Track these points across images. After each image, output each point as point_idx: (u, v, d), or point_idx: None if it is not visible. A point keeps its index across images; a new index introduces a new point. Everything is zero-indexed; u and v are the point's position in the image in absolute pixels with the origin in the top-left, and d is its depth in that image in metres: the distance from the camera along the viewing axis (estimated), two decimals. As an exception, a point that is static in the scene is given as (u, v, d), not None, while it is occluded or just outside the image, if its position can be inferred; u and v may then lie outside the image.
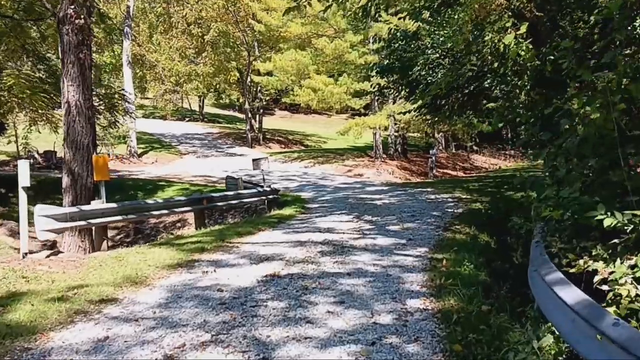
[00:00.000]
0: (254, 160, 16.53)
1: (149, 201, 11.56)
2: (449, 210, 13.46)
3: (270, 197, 16.00)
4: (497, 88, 9.84)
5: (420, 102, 19.30)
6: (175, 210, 11.93)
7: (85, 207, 9.54)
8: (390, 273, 7.15)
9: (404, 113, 18.05)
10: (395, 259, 7.97)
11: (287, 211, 14.60)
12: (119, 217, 10.21)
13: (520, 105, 7.81)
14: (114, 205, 10.27)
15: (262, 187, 16.97)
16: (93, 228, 10.09)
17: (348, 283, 6.67)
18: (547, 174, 5.50)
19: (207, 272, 7.36)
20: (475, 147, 41.06)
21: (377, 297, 6.09)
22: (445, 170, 29.53)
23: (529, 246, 8.56)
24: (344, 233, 10.33)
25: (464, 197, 16.10)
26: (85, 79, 11.38)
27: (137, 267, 7.62)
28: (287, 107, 56.40)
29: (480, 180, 21.99)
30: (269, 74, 30.24)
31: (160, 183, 21.85)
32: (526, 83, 7.47)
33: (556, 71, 7.53)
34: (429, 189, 18.85)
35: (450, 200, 15.50)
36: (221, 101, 57.09)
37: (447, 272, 6.96)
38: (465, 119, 28.19)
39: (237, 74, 34.02)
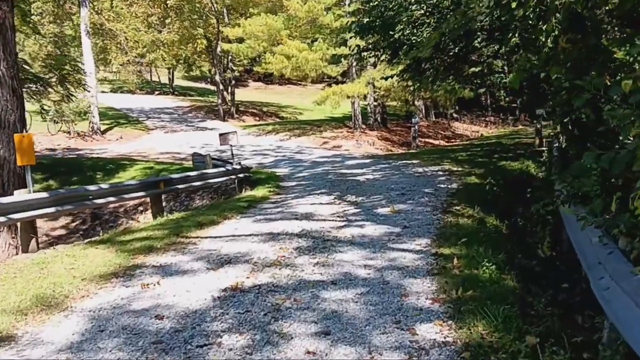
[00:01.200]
0: (220, 135, 14.63)
1: (91, 187, 9.60)
2: (442, 185, 11.77)
3: (241, 175, 14.15)
4: (516, 35, 7.92)
5: (403, 65, 17.50)
6: (126, 196, 10.00)
7: (3, 200, 7.61)
8: (387, 279, 5.42)
9: (386, 78, 16.27)
10: (391, 256, 6.25)
11: (259, 192, 12.80)
12: (51, 209, 8.27)
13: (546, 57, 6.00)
14: (44, 195, 8.34)
15: (231, 164, 15.13)
16: (18, 224, 8.16)
17: (334, 298, 4.94)
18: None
19: (148, 284, 5.55)
20: (455, 115, 39.49)
21: (374, 322, 4.37)
22: (427, 140, 27.90)
23: (559, 236, 6.94)
24: (325, 220, 8.57)
25: (454, 169, 14.44)
26: (6, 42, 9.29)
27: (58, 279, 5.77)
28: (261, 77, 53.99)
29: (467, 150, 20.38)
30: (240, 41, 28.02)
31: (123, 162, 19.76)
32: (554, 27, 5.71)
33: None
34: (414, 161, 17.15)
35: (440, 173, 13.82)
36: (192, 73, 54.29)
37: (463, 277, 5.26)
38: (448, 84, 26.54)
39: (205, 42, 31.60)
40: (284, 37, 24.30)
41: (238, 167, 14.20)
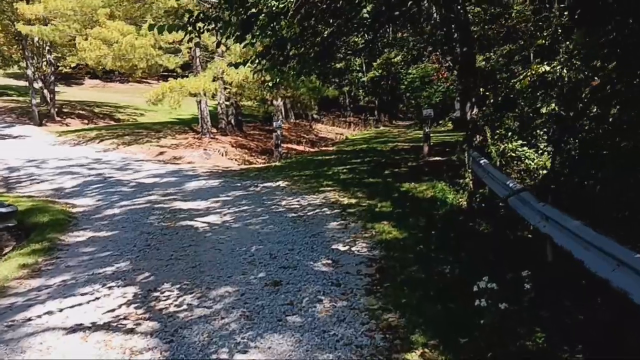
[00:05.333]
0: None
1: None
2: (342, 248, 6.15)
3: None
4: None
5: (257, 44, 11.72)
6: None
7: None
8: None
9: (236, 66, 10.39)
10: None
11: (6, 266, 6.33)
12: None
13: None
14: None
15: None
16: None
17: None
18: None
19: None
20: (316, 116, 34.63)
21: None
22: (290, 145, 22.40)
23: None
24: None
25: (345, 201, 8.97)
26: None
27: None
28: (100, 75, 44.91)
29: (344, 162, 15.11)
30: (44, 22, 20.26)
31: None
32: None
33: None
34: (282, 183, 11.47)
35: (327, 212, 8.21)
36: (9, 70, 43.44)
37: None
38: (310, 82, 21.39)
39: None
40: (101, 16, 17.26)
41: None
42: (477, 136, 11.99)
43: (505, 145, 10.25)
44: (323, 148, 22.44)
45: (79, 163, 15.88)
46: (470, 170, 9.32)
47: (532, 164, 9.93)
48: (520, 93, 11.73)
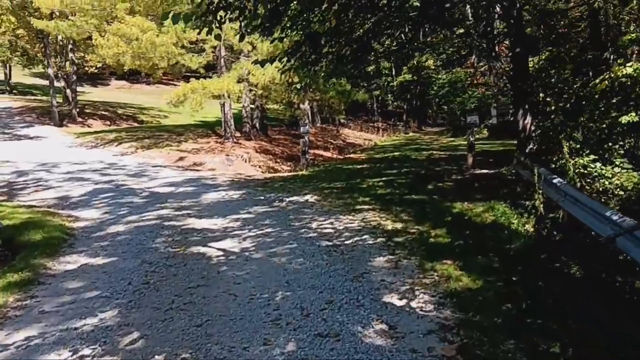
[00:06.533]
0: None
1: None
2: (397, 303, 4.47)
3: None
4: None
5: (286, 44, 10.21)
6: None
7: None
8: None
9: (262, 64, 8.77)
10: None
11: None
12: None
13: None
14: None
15: None
16: None
17: None
18: None
19: None
20: (343, 120, 33.02)
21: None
22: (317, 151, 20.84)
23: None
24: None
25: (389, 226, 7.34)
26: None
27: None
28: (126, 75, 44.09)
29: (378, 172, 13.46)
30: (64, 17, 19.09)
31: None
32: None
33: None
34: (310, 198, 9.89)
35: (369, 240, 6.58)
36: (35, 69, 42.89)
37: None
38: (340, 84, 19.89)
39: (14, 21, 21.84)
40: (121, 11, 15.98)
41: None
42: (530, 146, 10.36)
43: (576, 160, 8.53)
44: (352, 155, 20.79)
45: (92, 168, 14.58)
46: (540, 191, 7.61)
47: (608, 183, 8.20)
48: (589, 99, 9.99)
